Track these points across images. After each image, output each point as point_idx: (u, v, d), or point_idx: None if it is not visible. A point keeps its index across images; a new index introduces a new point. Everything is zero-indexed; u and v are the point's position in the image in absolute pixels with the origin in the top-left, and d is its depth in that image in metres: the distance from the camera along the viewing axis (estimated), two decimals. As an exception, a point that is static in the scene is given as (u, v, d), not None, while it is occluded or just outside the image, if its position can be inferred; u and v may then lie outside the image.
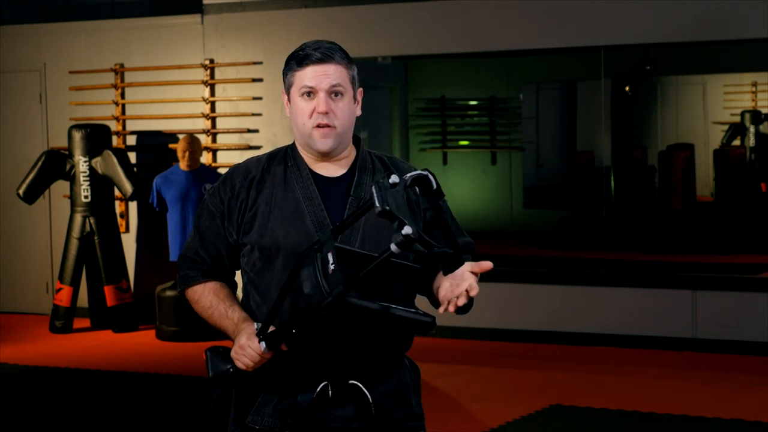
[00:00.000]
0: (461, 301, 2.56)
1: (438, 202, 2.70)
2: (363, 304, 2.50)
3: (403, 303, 2.57)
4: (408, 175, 2.56)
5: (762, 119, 9.80)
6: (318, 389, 2.73)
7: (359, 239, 2.74)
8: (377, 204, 2.44)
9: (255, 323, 2.72)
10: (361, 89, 2.83)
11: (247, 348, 2.67)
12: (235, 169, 2.87)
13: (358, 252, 2.60)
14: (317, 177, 2.79)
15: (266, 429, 2.78)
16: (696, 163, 9.91)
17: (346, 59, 2.78)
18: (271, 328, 2.66)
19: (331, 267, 2.49)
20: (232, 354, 2.71)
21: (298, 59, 2.78)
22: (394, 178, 2.49)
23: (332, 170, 2.81)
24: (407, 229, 2.40)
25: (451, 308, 2.57)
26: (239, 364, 2.69)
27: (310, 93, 2.74)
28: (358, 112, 2.83)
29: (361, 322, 2.61)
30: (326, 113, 2.72)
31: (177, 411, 6.69)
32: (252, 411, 2.80)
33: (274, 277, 2.75)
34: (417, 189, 2.62)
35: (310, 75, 2.74)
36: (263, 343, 2.65)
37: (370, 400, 2.75)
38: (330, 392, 2.74)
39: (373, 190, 2.46)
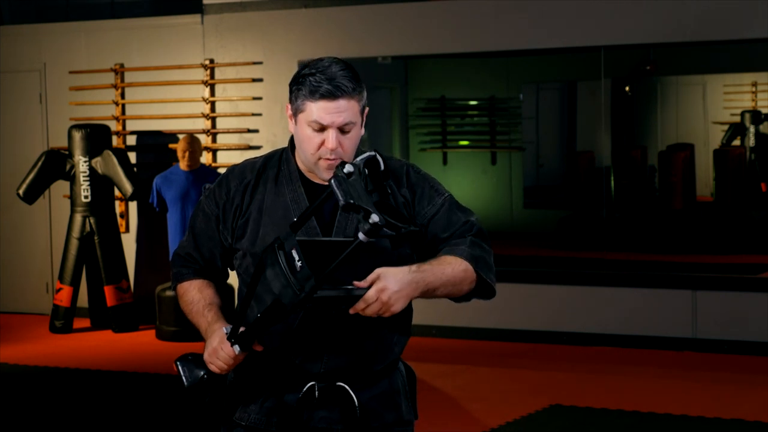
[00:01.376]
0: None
1: (384, 183, 2.62)
2: (327, 294, 2.48)
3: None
4: (358, 158, 2.53)
5: (762, 119, 9.80)
6: (304, 389, 2.74)
7: (334, 232, 2.73)
8: (340, 198, 2.43)
9: (225, 326, 2.69)
10: (367, 109, 2.77)
11: (220, 351, 2.65)
12: (231, 171, 2.85)
13: (323, 240, 2.58)
14: (307, 182, 2.77)
15: (252, 426, 2.79)
16: (696, 163, 9.91)
17: (358, 87, 2.68)
18: (242, 329, 2.63)
19: (298, 264, 2.45)
20: (205, 358, 2.69)
21: (310, 89, 2.65)
22: (348, 168, 2.47)
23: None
24: (374, 218, 2.39)
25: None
26: (213, 368, 2.67)
27: (320, 129, 2.67)
28: (362, 132, 2.79)
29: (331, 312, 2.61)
30: (335, 149, 2.67)
31: (177, 411, 6.68)
32: (240, 408, 2.81)
33: None
34: (367, 171, 2.55)
35: (322, 111, 2.64)
36: (236, 346, 2.61)
37: (356, 402, 2.74)
38: (316, 393, 2.74)
39: (333, 184, 2.44)
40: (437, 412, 6.41)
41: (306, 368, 2.74)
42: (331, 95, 2.63)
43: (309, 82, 2.66)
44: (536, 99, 10.92)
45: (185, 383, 2.70)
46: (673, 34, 8.03)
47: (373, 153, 2.56)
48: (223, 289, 2.91)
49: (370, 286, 2.53)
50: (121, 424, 6.43)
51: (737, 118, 9.88)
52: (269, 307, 2.51)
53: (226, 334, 2.64)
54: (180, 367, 2.71)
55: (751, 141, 9.82)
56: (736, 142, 9.89)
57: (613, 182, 9.11)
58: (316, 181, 2.77)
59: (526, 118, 10.83)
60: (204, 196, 2.87)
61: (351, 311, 2.54)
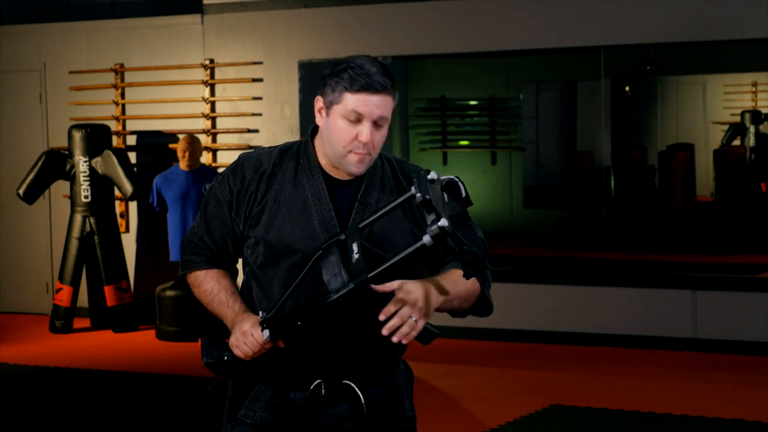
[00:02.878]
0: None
1: (466, 209, 2.74)
2: (374, 295, 2.53)
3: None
4: (443, 177, 2.61)
5: (762, 119, 9.80)
6: (311, 387, 2.75)
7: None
8: (419, 193, 2.46)
9: (260, 313, 2.72)
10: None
11: (249, 335, 2.67)
12: (246, 158, 2.85)
13: (374, 251, 2.62)
14: (328, 177, 2.78)
15: (258, 423, 2.79)
16: (696, 163, 9.91)
17: (393, 86, 2.74)
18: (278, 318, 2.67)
19: (355, 256, 2.51)
20: (232, 341, 2.71)
21: (352, 80, 2.69)
22: (432, 174, 2.53)
23: (344, 173, 2.81)
24: (443, 222, 2.42)
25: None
26: (237, 351, 2.69)
27: (356, 120, 2.69)
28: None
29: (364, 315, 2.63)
30: (367, 143, 2.70)
31: (177, 411, 6.68)
32: (245, 405, 2.81)
33: (278, 274, 2.75)
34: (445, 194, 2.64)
35: (361, 102, 2.68)
36: (267, 332, 2.64)
37: (363, 400, 2.75)
38: (323, 391, 2.75)
39: (414, 181, 2.49)
40: (437, 412, 6.41)
41: (312, 366, 2.74)
42: (371, 88, 2.68)
43: (349, 74, 2.70)
44: (536, 99, 10.92)
45: (204, 359, 2.72)
46: (673, 34, 8.03)
47: (455, 178, 2.66)
48: (234, 276, 2.92)
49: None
50: (121, 424, 6.43)
51: (737, 118, 9.88)
52: (309, 303, 2.56)
53: (261, 318, 2.66)
54: (204, 343, 2.73)
55: (751, 141, 9.82)
56: (736, 142, 9.89)
57: (613, 182, 9.11)
58: (337, 176, 2.78)
59: (526, 118, 10.83)
60: (216, 181, 2.86)
61: (381, 318, 2.56)
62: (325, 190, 2.76)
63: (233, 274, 2.91)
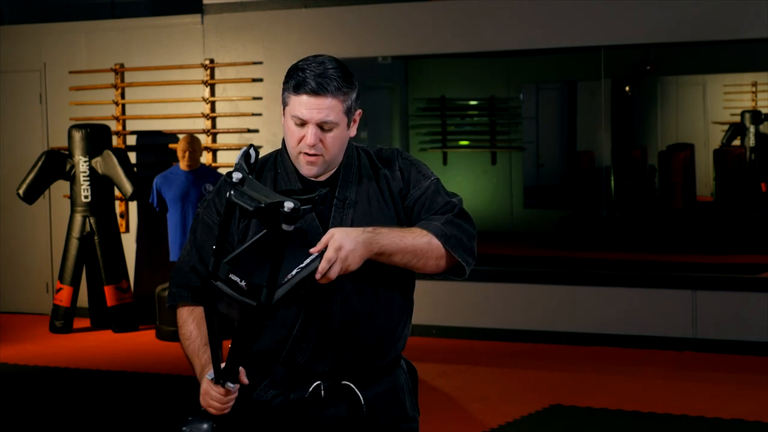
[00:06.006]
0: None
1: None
2: (279, 295, 2.47)
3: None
4: (237, 158, 2.52)
5: (762, 119, 9.80)
6: (311, 389, 2.74)
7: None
8: (248, 208, 2.41)
9: (210, 371, 2.65)
10: (360, 111, 2.78)
11: (212, 392, 2.61)
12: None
13: (248, 245, 2.55)
14: (305, 181, 2.77)
15: (258, 426, 2.79)
16: (696, 163, 9.91)
17: (345, 87, 2.69)
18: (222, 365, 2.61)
19: (242, 284, 2.44)
20: (201, 403, 2.66)
21: (296, 83, 2.68)
22: (236, 175, 2.46)
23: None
24: (288, 204, 2.38)
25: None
26: (212, 411, 2.64)
27: (301, 124, 2.69)
28: (353, 133, 2.79)
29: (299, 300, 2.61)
30: (314, 146, 2.69)
31: (177, 411, 6.68)
32: (245, 409, 2.80)
33: None
34: (245, 164, 2.53)
35: (303, 105, 2.67)
36: (228, 383, 2.60)
37: (362, 401, 2.75)
38: (322, 392, 2.75)
39: (234, 200, 2.43)
40: (437, 412, 6.41)
41: (311, 368, 2.74)
42: (313, 92, 2.66)
43: (296, 76, 2.69)
44: (536, 99, 10.92)
45: None
46: (673, 34, 8.03)
47: (245, 147, 2.55)
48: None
49: (324, 250, 2.54)
50: (121, 424, 6.43)
51: (737, 118, 9.88)
52: (237, 335, 2.51)
53: (212, 379, 2.62)
54: (187, 430, 2.67)
55: (751, 141, 9.82)
56: (736, 142, 9.90)
57: (613, 182, 9.11)
58: (313, 179, 2.78)
59: (526, 118, 10.83)
60: (202, 208, 2.86)
61: (318, 277, 2.53)
62: None
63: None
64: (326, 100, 2.66)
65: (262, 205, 2.40)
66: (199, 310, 2.81)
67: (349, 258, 2.55)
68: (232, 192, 2.45)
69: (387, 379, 2.83)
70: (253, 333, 2.51)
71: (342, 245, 2.55)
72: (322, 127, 2.67)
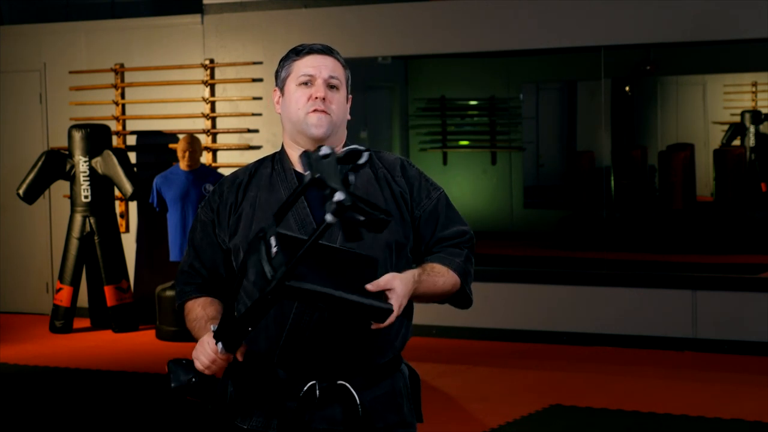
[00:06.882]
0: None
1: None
2: (309, 288, 2.42)
3: (365, 293, 2.53)
4: (345, 148, 2.49)
5: (762, 119, 9.80)
6: (305, 389, 2.72)
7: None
8: (306, 172, 2.39)
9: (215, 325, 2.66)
10: (350, 96, 2.87)
11: (205, 345, 2.61)
12: (225, 178, 2.91)
13: (302, 238, 2.51)
14: (301, 177, 2.78)
15: (253, 429, 2.77)
16: (696, 163, 9.92)
17: (343, 61, 2.85)
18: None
19: (274, 250, 2.42)
20: (192, 353, 2.66)
21: (296, 51, 2.82)
22: (324, 149, 2.43)
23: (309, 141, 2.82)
24: (339, 195, 2.33)
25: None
26: (197, 365, 2.63)
27: (308, 82, 2.78)
28: (348, 116, 2.86)
29: (316, 307, 2.59)
30: (324, 99, 2.75)
31: (177, 411, 6.68)
32: (242, 411, 2.79)
33: None
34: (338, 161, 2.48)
35: (309, 63, 2.78)
36: (220, 344, 2.57)
37: (358, 401, 2.72)
38: (317, 392, 2.72)
39: (302, 161, 2.43)
40: (437, 412, 6.41)
41: (306, 366, 2.72)
42: (319, 51, 2.80)
43: (297, 48, 2.84)
44: (536, 99, 10.92)
45: (171, 384, 2.66)
46: (673, 34, 8.03)
47: (361, 147, 2.52)
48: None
49: (382, 294, 2.55)
50: (121, 424, 6.43)
51: (737, 118, 9.88)
52: (252, 304, 2.47)
53: (213, 331, 2.62)
54: (170, 368, 2.67)
55: (751, 141, 9.82)
56: (736, 142, 9.90)
57: (613, 182, 9.11)
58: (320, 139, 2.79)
59: (526, 118, 10.83)
60: (200, 208, 2.89)
61: (382, 326, 2.55)
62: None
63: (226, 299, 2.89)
64: (332, 60, 2.80)
65: (319, 177, 2.37)
66: (203, 299, 2.84)
67: (402, 307, 2.60)
68: (306, 154, 2.42)
69: (385, 383, 2.80)
70: (259, 306, 2.46)
71: (402, 303, 2.58)
72: (328, 84, 2.77)
